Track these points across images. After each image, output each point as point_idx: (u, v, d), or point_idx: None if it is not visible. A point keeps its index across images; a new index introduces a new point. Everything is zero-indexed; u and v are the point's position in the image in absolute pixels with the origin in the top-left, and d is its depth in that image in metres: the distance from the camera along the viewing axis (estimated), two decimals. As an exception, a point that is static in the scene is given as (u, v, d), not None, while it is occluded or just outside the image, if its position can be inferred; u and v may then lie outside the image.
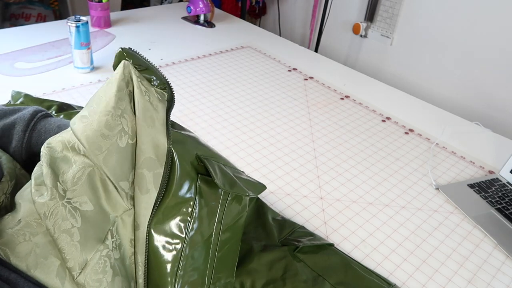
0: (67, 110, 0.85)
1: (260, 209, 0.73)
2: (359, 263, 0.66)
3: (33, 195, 0.43)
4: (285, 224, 0.71)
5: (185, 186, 0.51)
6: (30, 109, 0.54)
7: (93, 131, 0.46)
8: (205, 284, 0.53)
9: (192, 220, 0.51)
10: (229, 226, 0.56)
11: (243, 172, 0.64)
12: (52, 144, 0.45)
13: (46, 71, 1.13)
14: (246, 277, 0.60)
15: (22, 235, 0.41)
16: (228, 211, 0.56)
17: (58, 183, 0.43)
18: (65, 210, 0.43)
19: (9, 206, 0.45)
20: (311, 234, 0.70)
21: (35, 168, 0.45)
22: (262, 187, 0.63)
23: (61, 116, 0.79)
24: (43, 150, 0.45)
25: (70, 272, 0.42)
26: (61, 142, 0.45)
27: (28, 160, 0.53)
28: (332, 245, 0.69)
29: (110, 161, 0.46)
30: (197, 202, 0.52)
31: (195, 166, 0.53)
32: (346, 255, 0.67)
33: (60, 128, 0.53)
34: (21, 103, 0.86)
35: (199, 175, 0.53)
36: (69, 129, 0.47)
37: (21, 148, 0.52)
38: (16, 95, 0.88)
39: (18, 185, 0.47)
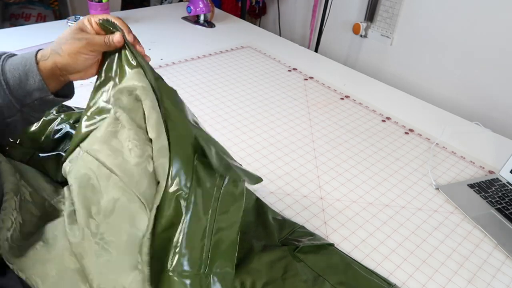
0: (67, 110, 0.85)
1: (260, 209, 0.73)
2: (359, 263, 0.66)
3: (67, 235, 0.44)
4: (285, 224, 0.71)
5: (183, 169, 0.52)
6: None
7: (125, 161, 0.47)
8: (199, 264, 0.52)
9: (188, 200, 0.51)
10: (224, 211, 0.55)
11: (240, 164, 0.65)
12: (78, 174, 0.46)
13: (46, 71, 1.13)
14: (246, 277, 0.60)
15: (56, 269, 0.42)
16: (224, 194, 0.55)
17: (90, 219, 0.44)
18: (98, 247, 0.44)
19: (22, 223, 0.46)
20: (311, 234, 0.70)
21: (66, 204, 0.46)
22: (258, 179, 0.62)
23: (62, 116, 0.79)
24: (70, 180, 0.45)
25: None
26: (87, 173, 0.46)
27: (19, 100, 0.51)
28: (332, 245, 0.69)
29: (143, 186, 0.48)
30: (194, 182, 0.52)
31: (194, 146, 0.53)
32: (346, 255, 0.67)
33: (24, 58, 0.51)
34: None
35: (196, 155, 0.53)
36: (85, 155, 0.47)
37: (7, 99, 0.50)
38: None
39: (21, 198, 0.48)
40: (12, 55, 0.53)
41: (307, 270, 0.63)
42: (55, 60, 0.51)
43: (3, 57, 0.51)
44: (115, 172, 0.46)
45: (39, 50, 0.52)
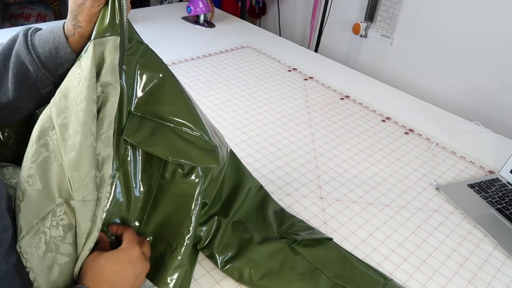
0: None
1: (263, 199, 0.74)
2: (356, 257, 0.67)
3: None
4: (284, 217, 0.72)
5: None
6: (20, 34, 0.54)
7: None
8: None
9: None
10: None
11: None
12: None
13: (46, 71, 1.13)
14: (244, 267, 0.61)
15: None
16: None
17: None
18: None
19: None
20: (309, 228, 0.71)
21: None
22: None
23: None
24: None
25: (17, 234, 0.46)
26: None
27: (56, 73, 0.54)
28: (331, 239, 0.69)
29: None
30: None
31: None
32: (344, 249, 0.68)
33: (52, 32, 0.53)
34: None
35: None
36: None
37: (38, 71, 0.53)
38: None
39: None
40: (38, 29, 0.56)
41: (304, 263, 0.63)
42: (80, 32, 0.53)
43: (30, 31, 0.54)
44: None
45: (63, 24, 0.55)
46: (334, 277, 0.62)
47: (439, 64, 1.65)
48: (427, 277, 0.66)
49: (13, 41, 0.54)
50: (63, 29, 0.53)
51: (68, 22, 0.54)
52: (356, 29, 1.89)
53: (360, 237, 0.72)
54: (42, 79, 0.53)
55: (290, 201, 0.78)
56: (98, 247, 0.53)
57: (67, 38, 0.53)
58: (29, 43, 0.52)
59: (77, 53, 0.54)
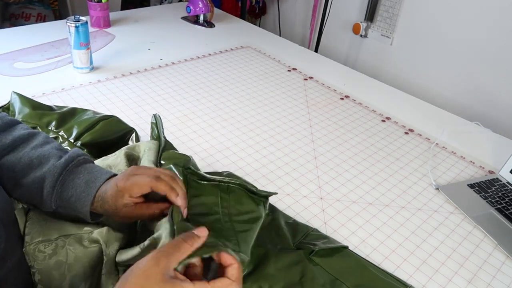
0: (66, 121, 0.81)
1: (272, 213, 0.73)
2: (374, 265, 0.66)
3: None
4: (298, 227, 0.71)
5: None
6: (62, 160, 0.53)
7: None
8: None
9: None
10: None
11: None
12: None
13: (46, 71, 1.13)
14: (263, 282, 0.59)
15: None
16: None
17: None
18: None
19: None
20: (325, 237, 0.70)
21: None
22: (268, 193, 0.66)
23: (61, 133, 0.77)
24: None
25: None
26: None
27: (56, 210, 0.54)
28: (346, 247, 0.68)
29: None
30: None
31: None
32: (361, 257, 0.67)
33: (88, 185, 0.52)
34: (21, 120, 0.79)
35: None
36: None
37: (50, 202, 0.52)
38: (13, 108, 0.83)
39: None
40: (79, 163, 0.55)
41: (323, 274, 0.62)
42: (109, 215, 0.54)
43: (70, 165, 0.53)
44: None
45: (102, 185, 0.53)
46: (354, 287, 0.61)
47: (439, 64, 1.65)
48: (427, 277, 0.66)
49: (54, 158, 0.53)
50: (95, 195, 0.52)
51: (113, 190, 0.51)
52: (356, 29, 1.90)
53: (360, 237, 0.72)
54: (47, 206, 0.53)
55: (290, 201, 0.78)
56: (189, 271, 0.44)
57: (94, 202, 0.52)
58: (60, 178, 0.52)
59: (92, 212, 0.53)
